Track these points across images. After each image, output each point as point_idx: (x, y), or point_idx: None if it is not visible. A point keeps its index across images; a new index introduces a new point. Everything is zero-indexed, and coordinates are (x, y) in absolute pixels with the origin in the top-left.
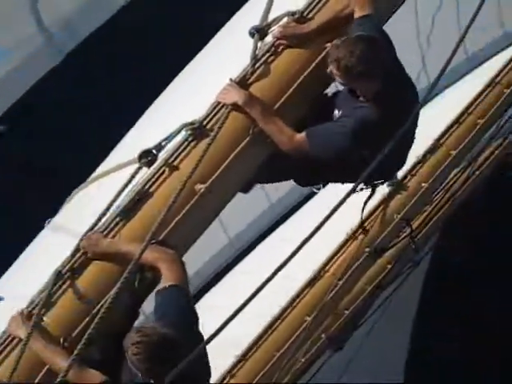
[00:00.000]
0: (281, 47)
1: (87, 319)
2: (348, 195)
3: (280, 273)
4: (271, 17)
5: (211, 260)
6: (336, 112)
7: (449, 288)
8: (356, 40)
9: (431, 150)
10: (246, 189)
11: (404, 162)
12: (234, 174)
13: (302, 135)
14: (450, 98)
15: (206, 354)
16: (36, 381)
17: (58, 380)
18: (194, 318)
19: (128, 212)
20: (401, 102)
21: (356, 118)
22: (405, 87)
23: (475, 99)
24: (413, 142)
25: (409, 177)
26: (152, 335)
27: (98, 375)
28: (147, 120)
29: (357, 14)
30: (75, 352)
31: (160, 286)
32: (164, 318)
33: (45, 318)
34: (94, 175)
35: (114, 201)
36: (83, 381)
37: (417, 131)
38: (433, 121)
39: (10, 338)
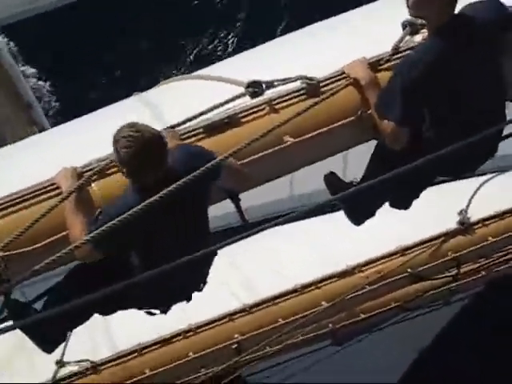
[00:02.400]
0: None
1: None
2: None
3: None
4: None
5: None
6: None
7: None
8: None
9: None
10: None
11: (492, 148)
12: (323, 144)
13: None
14: None
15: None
16: (47, 240)
17: (66, 250)
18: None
19: (212, 129)
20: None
21: (407, 55)
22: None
23: None
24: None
25: (480, 224)
26: (145, 131)
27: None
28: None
29: None
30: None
31: None
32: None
33: (93, 185)
34: (196, 74)
35: (204, 112)
36: (87, 257)
37: None
38: None
39: (51, 187)
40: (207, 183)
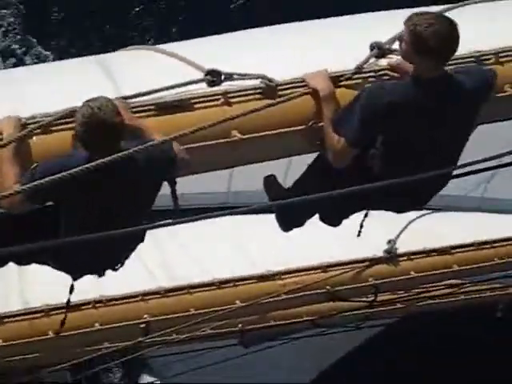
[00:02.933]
0: (386, 77)
1: None
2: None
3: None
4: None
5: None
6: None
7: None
8: (440, 17)
9: (439, 251)
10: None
11: (435, 188)
12: (269, 146)
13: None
14: None
15: None
16: None
17: None
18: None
19: (163, 108)
20: (443, 107)
21: (382, 84)
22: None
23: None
24: (452, 163)
25: (406, 257)
26: (105, 110)
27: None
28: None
29: None
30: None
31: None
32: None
33: (34, 138)
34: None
35: (158, 90)
36: (15, 207)
37: None
38: None
39: None
40: (156, 169)
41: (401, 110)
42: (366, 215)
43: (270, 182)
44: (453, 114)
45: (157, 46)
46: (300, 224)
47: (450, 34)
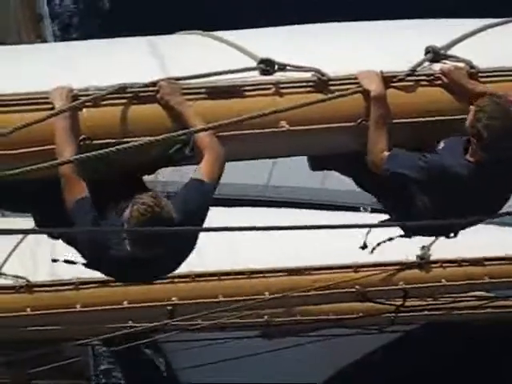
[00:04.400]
0: (439, 81)
1: (113, 141)
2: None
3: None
4: (452, 51)
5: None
6: (441, 144)
7: None
8: (505, 112)
9: (472, 261)
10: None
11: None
12: (315, 139)
13: (386, 154)
14: None
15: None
16: (31, 149)
17: (48, 164)
18: (201, 220)
19: (215, 93)
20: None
21: (443, 163)
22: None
23: None
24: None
25: (438, 264)
26: (163, 209)
27: (83, 188)
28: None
29: None
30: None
31: (194, 175)
32: (181, 205)
33: (85, 110)
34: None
35: (211, 74)
36: (70, 183)
37: None
38: None
39: (44, 100)
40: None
41: (451, 184)
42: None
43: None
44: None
45: (211, 32)
46: (328, 167)
47: (506, 135)
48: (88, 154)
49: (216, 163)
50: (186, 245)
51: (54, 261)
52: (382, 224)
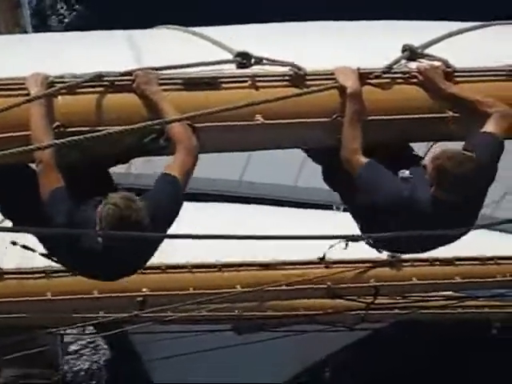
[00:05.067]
0: (415, 79)
1: (87, 129)
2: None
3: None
4: (429, 50)
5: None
6: (405, 172)
7: None
8: (468, 159)
9: (443, 261)
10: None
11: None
12: (290, 133)
13: (364, 160)
14: None
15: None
16: (5, 134)
17: (23, 149)
18: (172, 217)
19: (191, 84)
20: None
21: (416, 196)
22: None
23: None
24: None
25: (409, 263)
26: (133, 212)
27: (59, 178)
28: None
29: (488, 127)
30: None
31: (166, 170)
32: (152, 201)
33: (60, 97)
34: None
35: (188, 66)
36: (47, 171)
37: None
38: None
39: (20, 86)
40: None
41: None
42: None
43: None
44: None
45: (189, 27)
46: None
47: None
48: (63, 140)
49: (189, 157)
50: (154, 243)
51: (14, 243)
52: (344, 236)
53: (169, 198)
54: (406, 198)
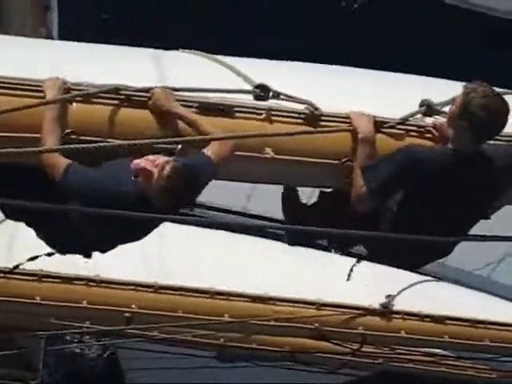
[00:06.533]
0: (429, 134)
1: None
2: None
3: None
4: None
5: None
6: None
7: None
8: (497, 96)
9: (434, 318)
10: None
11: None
12: (298, 171)
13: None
14: None
15: None
16: (20, 134)
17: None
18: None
19: (206, 108)
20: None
21: (422, 149)
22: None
23: None
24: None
25: (400, 316)
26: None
27: (67, 160)
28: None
29: None
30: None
31: (204, 151)
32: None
33: (74, 104)
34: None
35: (204, 90)
36: (53, 160)
37: None
38: None
39: (37, 88)
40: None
41: (431, 176)
42: (358, 260)
43: (290, 194)
44: (479, 191)
45: (214, 55)
46: (306, 244)
47: (499, 114)
48: (71, 147)
49: (225, 145)
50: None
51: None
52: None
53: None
54: (415, 157)
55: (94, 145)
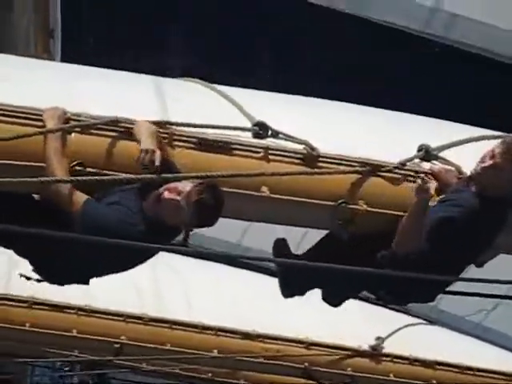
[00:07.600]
0: (427, 183)
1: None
2: None
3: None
4: (447, 153)
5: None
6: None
7: None
8: None
9: (423, 363)
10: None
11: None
12: (293, 211)
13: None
14: None
15: None
16: (19, 162)
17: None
18: None
19: (204, 144)
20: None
21: (465, 204)
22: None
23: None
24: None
25: (390, 358)
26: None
27: (83, 196)
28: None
29: None
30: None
31: None
32: None
33: (73, 134)
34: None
35: (202, 126)
36: (68, 195)
37: None
38: None
39: (37, 117)
40: None
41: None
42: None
43: (280, 244)
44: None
45: (215, 85)
46: (301, 293)
47: None
48: (84, 178)
49: None
50: None
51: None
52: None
53: None
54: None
55: (109, 177)
